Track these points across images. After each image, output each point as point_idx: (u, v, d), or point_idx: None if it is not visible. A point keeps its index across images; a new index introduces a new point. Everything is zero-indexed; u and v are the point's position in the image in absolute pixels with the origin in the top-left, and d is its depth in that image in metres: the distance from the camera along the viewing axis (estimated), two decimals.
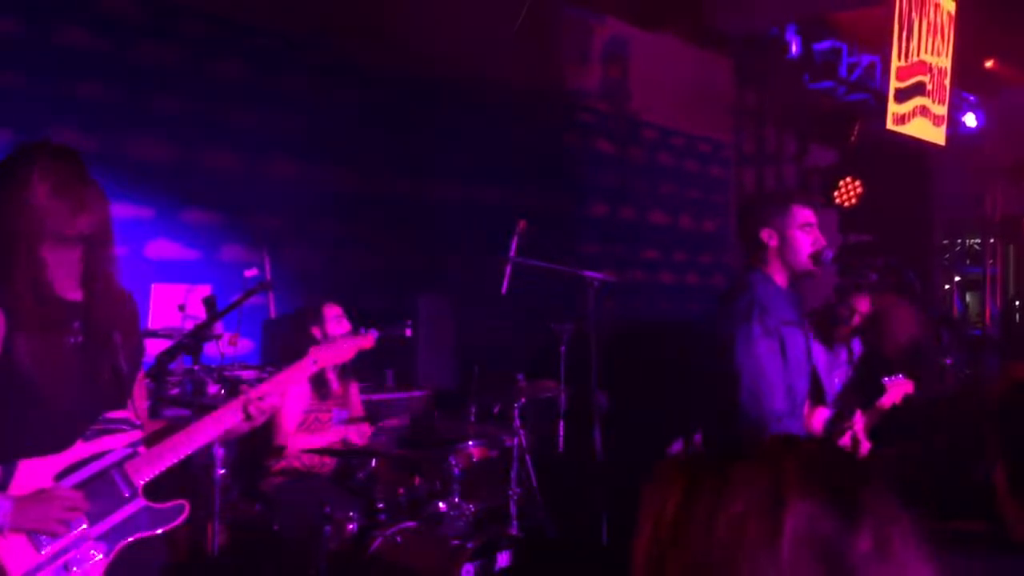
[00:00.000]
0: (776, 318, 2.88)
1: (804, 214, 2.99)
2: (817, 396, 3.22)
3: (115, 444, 2.30)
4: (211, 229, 5.73)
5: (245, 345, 5.33)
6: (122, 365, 2.35)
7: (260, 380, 4.81)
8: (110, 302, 2.36)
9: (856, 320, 4.24)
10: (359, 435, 4.18)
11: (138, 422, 2.37)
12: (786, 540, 0.91)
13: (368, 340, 2.81)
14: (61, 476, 2.22)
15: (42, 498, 2.16)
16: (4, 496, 2.12)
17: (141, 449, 2.34)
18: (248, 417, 2.43)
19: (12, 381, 2.15)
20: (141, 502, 2.30)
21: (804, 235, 2.97)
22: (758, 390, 2.77)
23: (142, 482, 2.30)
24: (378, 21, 6.10)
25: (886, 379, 3.62)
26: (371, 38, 6.21)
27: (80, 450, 2.25)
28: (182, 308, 4.84)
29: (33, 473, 2.18)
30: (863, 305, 4.15)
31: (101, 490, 2.24)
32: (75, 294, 2.30)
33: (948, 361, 3.10)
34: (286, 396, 2.56)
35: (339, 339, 2.81)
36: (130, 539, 2.27)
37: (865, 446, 3.26)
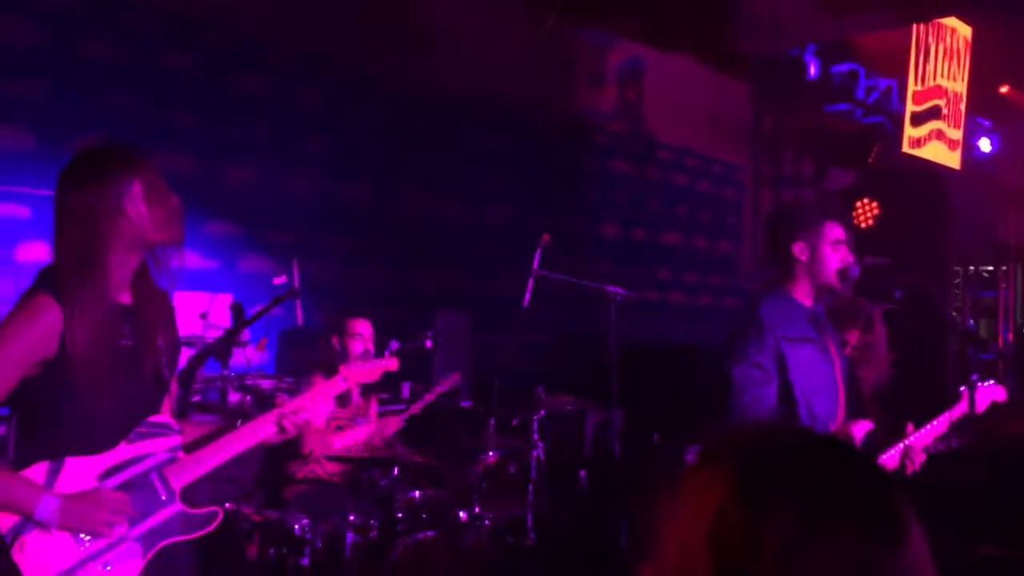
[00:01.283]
0: (780, 335, 2.88)
1: (836, 231, 3.00)
2: (856, 409, 3.15)
3: (156, 448, 2.33)
4: (231, 241, 5.78)
5: (258, 356, 5.37)
6: (164, 369, 2.39)
7: (280, 390, 4.88)
8: (157, 307, 2.40)
9: (848, 352, 4.10)
10: (387, 430, 4.23)
11: (177, 427, 2.39)
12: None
13: (393, 364, 2.96)
14: (105, 476, 2.24)
15: (90, 499, 2.18)
16: (52, 494, 2.15)
17: (180, 454, 2.37)
18: (282, 430, 2.48)
19: (66, 380, 2.17)
20: (178, 506, 2.32)
21: (834, 252, 2.98)
22: (750, 403, 2.83)
23: (180, 487, 2.33)
24: (399, 42, 6.19)
25: (980, 384, 3.14)
26: (392, 58, 6.29)
27: (123, 452, 2.28)
28: (204, 316, 4.87)
29: (79, 472, 2.21)
30: (853, 338, 4.02)
31: (141, 492, 2.27)
32: (125, 297, 2.33)
33: (974, 377, 3.07)
34: (317, 410, 2.61)
35: (368, 361, 2.92)
36: (166, 542, 2.30)
37: (919, 459, 3.01)
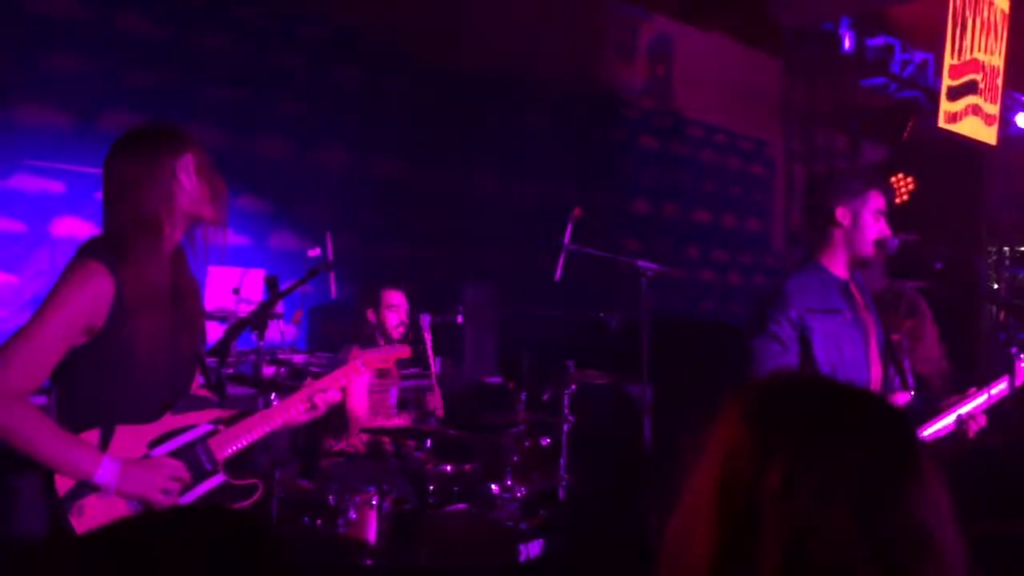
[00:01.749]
0: (805, 307, 2.86)
1: (879, 201, 2.98)
2: (900, 383, 3.09)
3: (200, 419, 2.37)
4: (262, 216, 5.81)
5: (292, 330, 5.41)
6: (198, 342, 2.44)
7: (312, 364, 4.92)
8: (191, 282, 2.44)
9: (894, 338, 4.04)
10: (432, 404, 4.27)
11: (214, 399, 2.43)
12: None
13: (405, 351, 3.09)
14: (154, 445, 2.28)
15: (148, 464, 2.22)
16: (113, 458, 2.16)
17: (221, 427, 2.41)
18: (313, 407, 2.54)
19: (117, 349, 2.21)
20: (222, 477, 2.37)
21: (875, 221, 2.96)
22: (760, 372, 2.83)
23: (223, 457, 2.38)
24: (429, 15, 6.17)
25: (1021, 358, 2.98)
26: (422, 32, 6.28)
27: (169, 422, 2.32)
28: (237, 291, 4.91)
29: (129, 439, 2.24)
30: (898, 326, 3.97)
31: (188, 462, 2.31)
32: (167, 272, 2.35)
33: (1013, 350, 3.01)
34: (348, 391, 2.69)
35: (380, 348, 3.06)
36: None
37: (981, 420, 2.89)
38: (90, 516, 2.13)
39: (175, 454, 2.30)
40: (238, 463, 2.52)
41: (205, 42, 5.55)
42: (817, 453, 0.91)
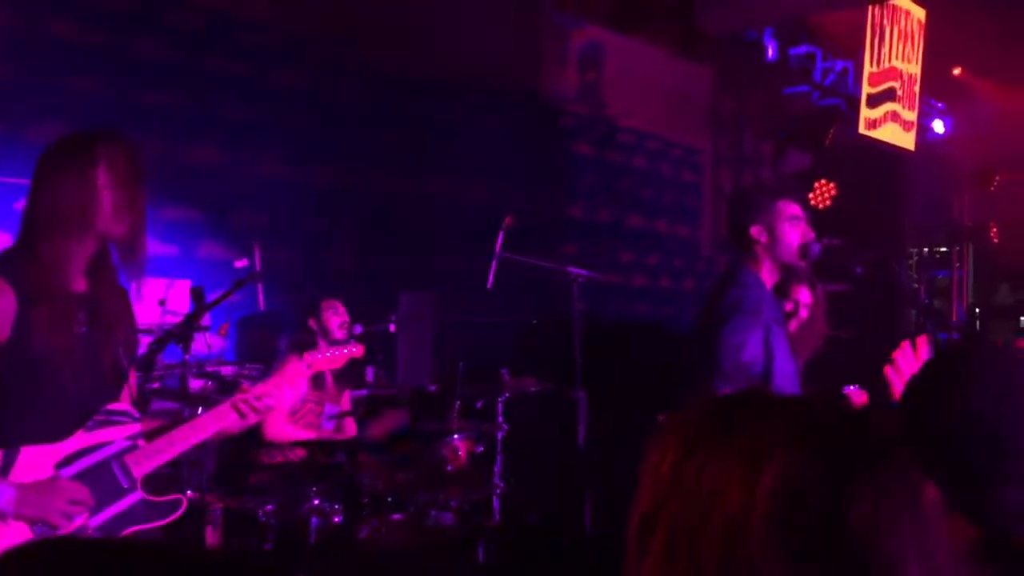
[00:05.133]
0: (768, 316, 2.92)
1: (791, 208, 3.03)
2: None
3: (115, 436, 2.30)
4: (191, 225, 5.70)
5: (219, 342, 5.31)
6: (122, 358, 2.37)
7: (241, 376, 4.83)
8: (115, 296, 2.37)
9: (803, 314, 4.06)
10: (348, 429, 4.22)
11: (136, 415, 2.37)
12: (762, 491, 0.83)
13: (359, 350, 2.92)
14: (62, 465, 2.21)
15: (47, 488, 2.15)
16: (7, 483, 2.11)
17: (140, 442, 2.34)
18: (242, 415, 2.45)
19: (21, 366, 2.14)
20: (139, 494, 2.30)
21: (792, 228, 3.01)
22: (733, 371, 2.81)
23: (141, 475, 2.31)
24: (367, 21, 6.13)
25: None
26: (359, 37, 6.23)
27: (81, 439, 2.25)
28: (163, 303, 4.81)
29: (34, 460, 2.17)
30: (804, 296, 4.00)
31: (101, 481, 2.24)
32: (80, 284, 2.29)
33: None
34: (281, 396, 2.58)
35: (332, 347, 2.90)
36: (127, 531, 2.27)
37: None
38: None
39: (85, 473, 2.23)
40: (162, 480, 2.46)
41: (140, 47, 5.42)
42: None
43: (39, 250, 2.18)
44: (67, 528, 2.16)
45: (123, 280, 2.43)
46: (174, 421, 2.48)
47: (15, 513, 2.10)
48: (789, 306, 4.06)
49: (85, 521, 2.20)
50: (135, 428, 2.35)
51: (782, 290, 3.89)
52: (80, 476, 2.22)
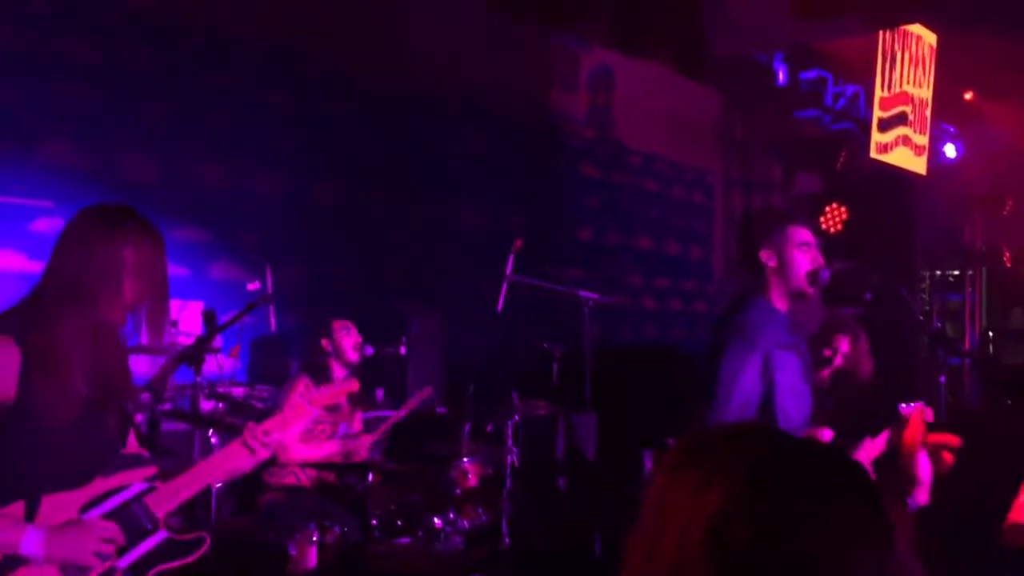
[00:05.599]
0: (769, 340, 2.90)
1: (802, 233, 3.02)
2: (819, 416, 3.15)
3: (133, 479, 2.32)
4: (201, 246, 5.72)
5: (231, 363, 5.32)
6: (127, 408, 2.40)
7: (252, 397, 4.83)
8: (118, 356, 2.37)
9: (839, 361, 4.08)
10: (360, 448, 4.20)
11: (149, 457, 2.39)
12: (699, 519, 0.92)
13: (353, 385, 2.97)
14: (85, 509, 2.22)
15: (77, 528, 2.14)
16: (37, 526, 2.10)
17: (158, 483, 2.35)
18: (252, 452, 2.46)
19: (32, 421, 2.15)
20: (163, 534, 2.31)
21: (802, 254, 2.99)
22: (727, 399, 2.81)
23: (163, 515, 2.32)
24: (372, 40, 6.17)
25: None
26: (365, 56, 6.27)
27: (100, 485, 2.26)
28: (175, 324, 4.82)
29: (58, 506, 2.18)
30: (843, 345, 4.02)
31: (125, 522, 2.25)
32: (84, 349, 2.27)
33: (942, 379, 3.09)
34: (287, 430, 2.60)
35: (328, 385, 2.94)
36: (155, 571, 2.28)
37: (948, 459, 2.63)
38: None
39: (109, 516, 2.24)
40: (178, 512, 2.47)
41: (139, 66, 5.46)
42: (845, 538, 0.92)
43: (51, 318, 2.20)
44: (99, 569, 2.15)
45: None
46: (187, 459, 2.49)
47: (46, 556, 2.08)
48: (827, 352, 4.05)
49: (114, 563, 2.19)
50: (151, 470, 2.36)
51: (823, 336, 3.89)
52: (107, 517, 2.23)
